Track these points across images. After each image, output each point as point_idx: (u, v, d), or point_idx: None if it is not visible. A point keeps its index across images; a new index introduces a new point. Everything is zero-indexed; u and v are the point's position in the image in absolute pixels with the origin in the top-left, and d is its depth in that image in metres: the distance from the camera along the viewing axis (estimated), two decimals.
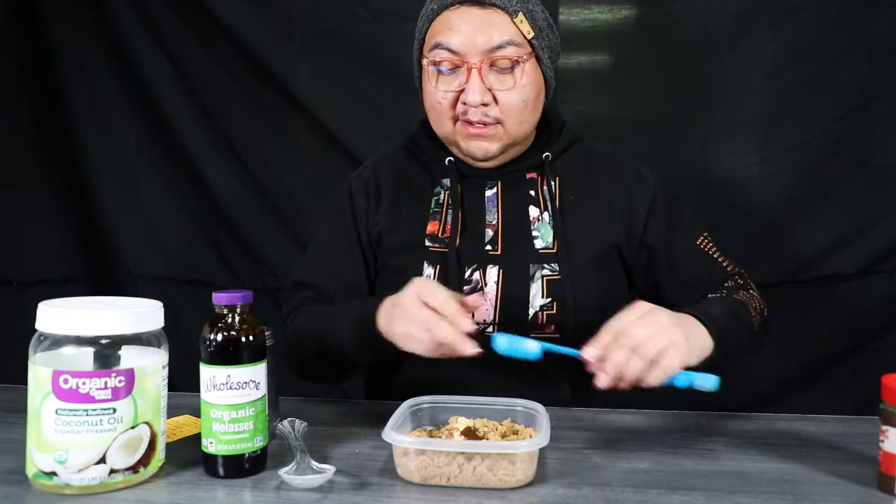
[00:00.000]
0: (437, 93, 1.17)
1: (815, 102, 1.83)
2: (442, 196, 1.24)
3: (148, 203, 2.03)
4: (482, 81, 1.14)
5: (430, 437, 0.92)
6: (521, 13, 1.15)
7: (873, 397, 0.85)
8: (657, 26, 1.86)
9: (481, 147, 1.18)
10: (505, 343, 0.95)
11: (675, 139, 1.87)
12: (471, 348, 0.92)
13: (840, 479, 0.87)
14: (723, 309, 1.08)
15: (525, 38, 1.15)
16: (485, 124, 1.16)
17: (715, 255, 1.25)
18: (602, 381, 0.92)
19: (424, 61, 1.18)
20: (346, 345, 1.07)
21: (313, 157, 1.97)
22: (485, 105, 1.14)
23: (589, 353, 0.92)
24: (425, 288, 0.95)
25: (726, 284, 1.22)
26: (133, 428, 0.80)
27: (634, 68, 1.87)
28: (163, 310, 0.86)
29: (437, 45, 1.15)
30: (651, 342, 0.91)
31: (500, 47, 1.14)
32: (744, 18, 1.84)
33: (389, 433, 0.84)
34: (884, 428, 0.82)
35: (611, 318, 0.94)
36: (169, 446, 0.88)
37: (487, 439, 0.89)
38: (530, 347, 0.95)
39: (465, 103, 1.15)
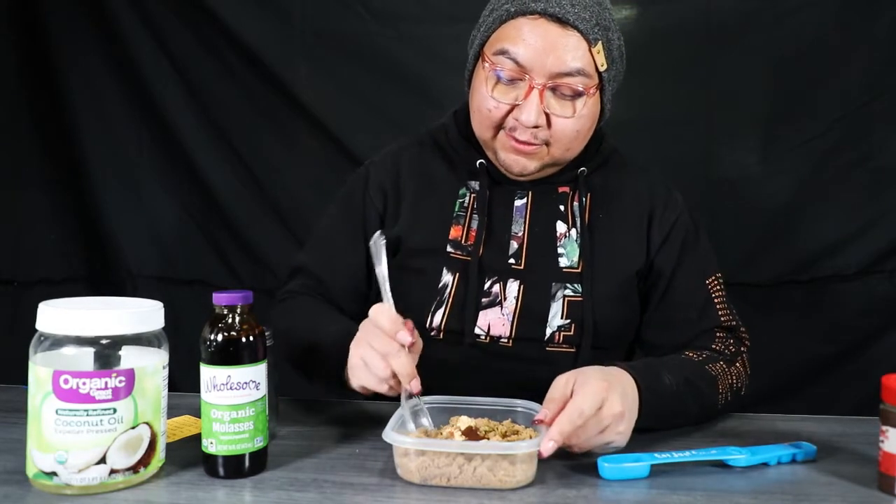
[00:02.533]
0: (490, 100, 1.09)
1: (815, 102, 1.84)
2: (467, 199, 1.19)
3: (148, 203, 2.03)
4: (541, 102, 1.07)
5: (430, 437, 0.91)
6: (600, 42, 1.07)
7: (873, 397, 0.85)
8: (657, 26, 1.87)
9: (520, 163, 1.13)
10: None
11: (676, 139, 1.88)
12: (416, 385, 0.92)
13: (840, 479, 0.87)
14: (682, 378, 1.03)
15: (597, 69, 1.08)
16: (530, 143, 1.10)
17: (716, 301, 1.18)
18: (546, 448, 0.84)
19: (485, 63, 1.10)
20: (324, 378, 1.09)
21: (313, 157, 1.97)
22: (536, 127, 1.08)
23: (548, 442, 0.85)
24: (373, 313, 0.95)
25: (714, 346, 1.14)
26: (133, 428, 0.80)
27: (634, 68, 1.86)
28: (163, 310, 0.85)
29: (503, 52, 1.07)
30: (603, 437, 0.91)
31: (569, 74, 1.06)
32: (744, 18, 1.85)
33: (389, 433, 0.84)
34: (884, 428, 0.82)
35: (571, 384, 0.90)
36: (169, 446, 0.88)
37: (488, 439, 0.89)
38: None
39: (517, 119, 1.08)
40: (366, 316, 1.02)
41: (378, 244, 0.98)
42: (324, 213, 1.29)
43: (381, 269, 0.97)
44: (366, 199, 1.23)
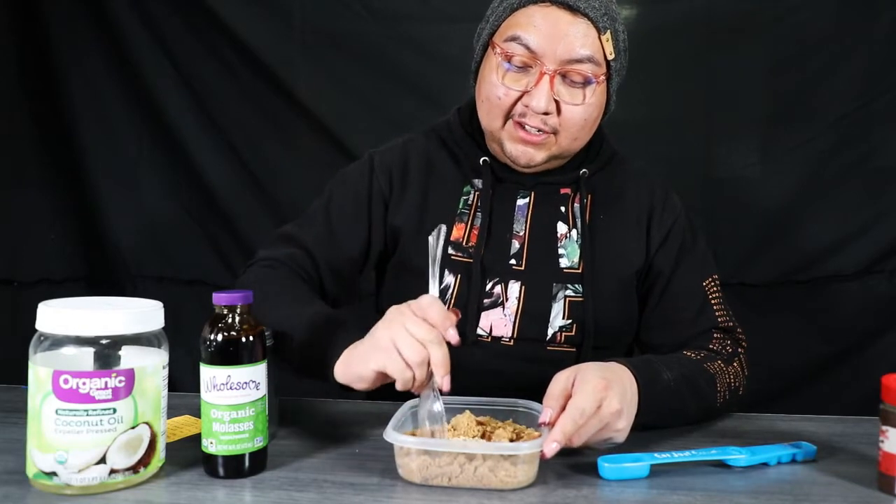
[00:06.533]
0: (500, 87, 1.10)
1: (815, 102, 1.84)
2: (471, 197, 1.19)
3: (148, 203, 2.03)
4: (551, 89, 1.08)
5: (431, 436, 0.91)
6: (609, 31, 1.09)
7: (873, 397, 0.85)
8: (657, 26, 1.86)
9: (527, 153, 1.13)
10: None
11: (675, 139, 1.88)
12: (447, 383, 0.86)
13: (840, 479, 0.87)
14: (680, 375, 1.03)
15: (606, 58, 1.10)
16: (539, 131, 1.11)
17: (713, 302, 1.19)
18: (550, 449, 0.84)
19: (496, 50, 1.11)
20: (292, 366, 1.02)
21: (313, 157, 1.97)
22: (546, 114, 1.09)
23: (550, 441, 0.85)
24: (425, 302, 0.89)
25: (711, 346, 1.14)
26: (133, 428, 0.80)
27: (634, 68, 1.86)
28: (163, 310, 0.85)
29: (514, 39, 1.08)
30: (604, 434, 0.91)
31: (579, 61, 1.07)
32: (744, 18, 1.85)
33: (390, 433, 0.84)
34: (884, 428, 0.82)
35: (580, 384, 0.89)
36: (169, 446, 0.88)
37: (502, 428, 0.90)
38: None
39: (527, 106, 1.09)
40: (346, 301, 0.98)
41: (441, 232, 0.93)
42: (320, 196, 1.25)
43: (437, 258, 0.92)
44: (372, 183, 1.22)
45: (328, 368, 0.95)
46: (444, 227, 0.94)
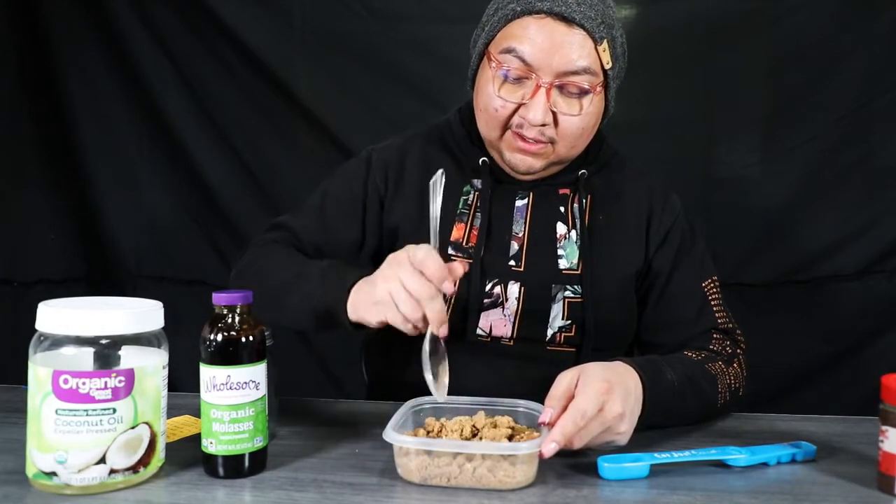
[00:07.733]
0: (496, 99, 1.10)
1: (815, 102, 1.84)
2: (471, 197, 1.19)
3: (148, 203, 2.03)
4: (547, 101, 1.07)
5: (431, 436, 0.91)
6: (605, 41, 1.08)
7: (873, 397, 0.85)
8: (657, 26, 1.87)
9: (526, 162, 1.13)
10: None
11: (676, 139, 1.88)
12: (444, 331, 0.91)
13: (840, 479, 0.87)
14: (683, 376, 1.03)
15: (602, 67, 1.09)
16: (537, 141, 1.11)
17: (712, 303, 1.19)
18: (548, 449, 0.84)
19: (492, 63, 1.10)
20: (303, 316, 1.06)
21: (313, 157, 1.98)
22: (543, 125, 1.09)
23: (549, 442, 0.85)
24: (421, 255, 0.92)
25: (711, 346, 1.14)
26: (133, 428, 0.80)
27: (635, 68, 1.86)
28: (163, 310, 0.85)
29: (510, 51, 1.08)
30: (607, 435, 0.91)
31: (575, 73, 1.07)
32: (744, 18, 1.85)
33: (390, 433, 0.84)
34: (884, 428, 0.82)
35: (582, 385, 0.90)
36: (169, 446, 0.88)
37: (496, 426, 0.90)
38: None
39: (524, 118, 1.09)
40: None
41: (438, 181, 0.95)
42: (316, 190, 1.27)
43: (435, 208, 0.95)
44: (368, 181, 1.23)
45: (340, 312, 0.99)
46: (442, 173, 0.97)
